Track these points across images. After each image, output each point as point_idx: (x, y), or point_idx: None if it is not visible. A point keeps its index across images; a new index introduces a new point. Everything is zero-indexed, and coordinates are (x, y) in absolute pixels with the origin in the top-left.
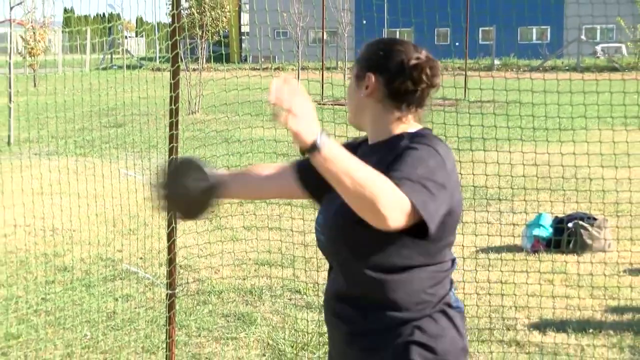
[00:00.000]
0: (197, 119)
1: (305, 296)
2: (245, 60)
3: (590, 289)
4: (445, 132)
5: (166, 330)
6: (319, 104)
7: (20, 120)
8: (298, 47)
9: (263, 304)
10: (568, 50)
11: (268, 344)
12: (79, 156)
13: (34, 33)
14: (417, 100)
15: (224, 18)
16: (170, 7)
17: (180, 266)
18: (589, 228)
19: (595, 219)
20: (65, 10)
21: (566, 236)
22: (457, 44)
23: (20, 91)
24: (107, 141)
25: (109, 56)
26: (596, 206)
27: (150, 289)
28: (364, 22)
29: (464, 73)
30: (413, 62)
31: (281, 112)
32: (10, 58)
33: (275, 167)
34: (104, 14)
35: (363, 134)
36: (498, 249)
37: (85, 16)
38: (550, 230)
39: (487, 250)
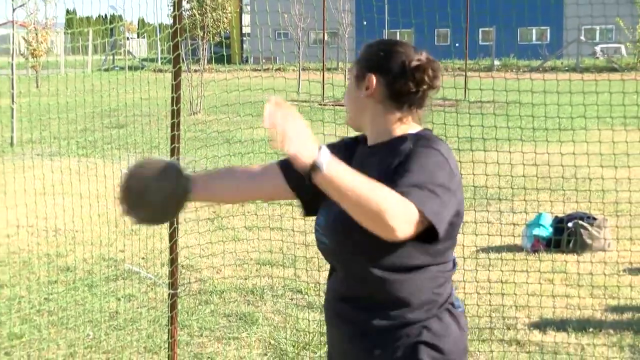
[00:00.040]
0: (199, 119)
1: (306, 296)
2: (247, 61)
3: (590, 288)
4: (446, 132)
5: (168, 330)
6: (320, 104)
7: (22, 121)
8: (299, 48)
9: (265, 304)
10: (567, 51)
11: (270, 343)
12: (81, 157)
13: (36, 34)
14: (418, 101)
15: (225, 19)
16: (171, 8)
17: (182, 266)
18: (589, 228)
19: (595, 219)
20: (68, 12)
21: (566, 236)
22: (457, 44)
23: (23, 92)
24: (109, 142)
25: (111, 57)
26: (596, 206)
27: (152, 288)
28: (365, 23)
29: (464, 74)
30: (415, 63)
31: (276, 137)
32: (12, 59)
33: (257, 167)
34: (105, 15)
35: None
36: (498, 249)
37: (87, 17)
38: (550, 229)
39: (487, 249)
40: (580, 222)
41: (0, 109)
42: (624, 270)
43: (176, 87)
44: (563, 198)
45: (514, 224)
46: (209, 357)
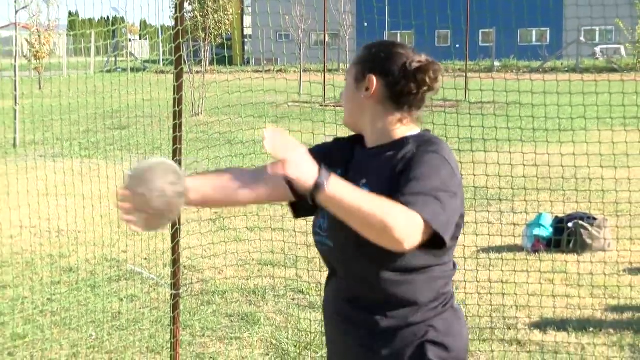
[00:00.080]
0: (201, 121)
1: (308, 296)
2: (248, 62)
3: (591, 288)
4: (447, 133)
5: (171, 330)
6: (321, 105)
7: (25, 122)
8: (300, 50)
9: (266, 304)
10: (567, 52)
11: (271, 343)
12: (83, 158)
13: (39, 36)
14: (417, 102)
15: (226, 21)
16: (173, 10)
17: (185, 267)
18: (589, 228)
19: (595, 219)
20: (70, 14)
21: (566, 236)
22: (457, 45)
23: (26, 94)
24: (111, 143)
25: (113, 59)
26: (596, 206)
27: (154, 289)
28: (365, 24)
29: (464, 75)
30: (416, 64)
31: (278, 163)
32: (15, 61)
33: (254, 170)
34: (108, 17)
35: None
36: (499, 249)
37: (90, 19)
38: (551, 230)
39: (488, 250)
40: (581, 222)
41: (3, 111)
42: (624, 270)
43: (178, 89)
44: (563, 198)
45: (514, 224)
46: (211, 357)
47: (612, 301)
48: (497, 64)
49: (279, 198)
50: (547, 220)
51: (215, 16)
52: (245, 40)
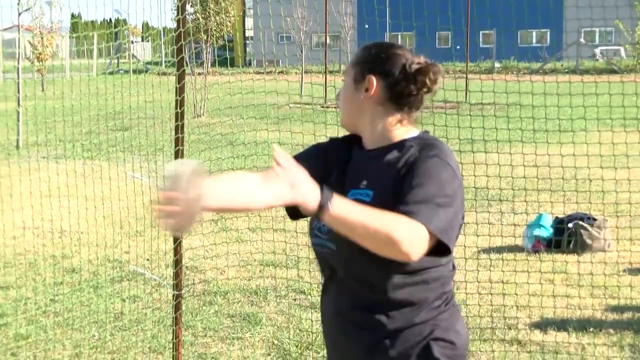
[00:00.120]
0: (203, 122)
1: (309, 296)
2: (250, 64)
3: (591, 289)
4: (447, 134)
5: (173, 330)
6: (322, 107)
7: (28, 124)
8: (301, 51)
9: (268, 304)
10: (567, 53)
11: (273, 343)
12: (86, 159)
13: (41, 38)
14: (416, 103)
15: (228, 23)
16: (175, 12)
17: (187, 267)
18: (589, 228)
19: (595, 219)
20: (73, 16)
21: (566, 236)
22: (458, 47)
23: (29, 95)
24: (113, 144)
25: (116, 61)
26: (596, 207)
27: (157, 290)
28: (366, 26)
29: (465, 76)
30: (416, 66)
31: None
32: (18, 63)
33: (262, 175)
34: (110, 19)
35: None
36: (499, 249)
37: (92, 22)
38: (551, 230)
39: (488, 250)
40: (581, 222)
41: (6, 112)
42: (624, 271)
43: (180, 90)
44: (563, 199)
45: (514, 225)
46: (213, 357)
47: (612, 301)
48: (497, 65)
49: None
50: (548, 221)
51: (217, 18)
52: (247, 42)
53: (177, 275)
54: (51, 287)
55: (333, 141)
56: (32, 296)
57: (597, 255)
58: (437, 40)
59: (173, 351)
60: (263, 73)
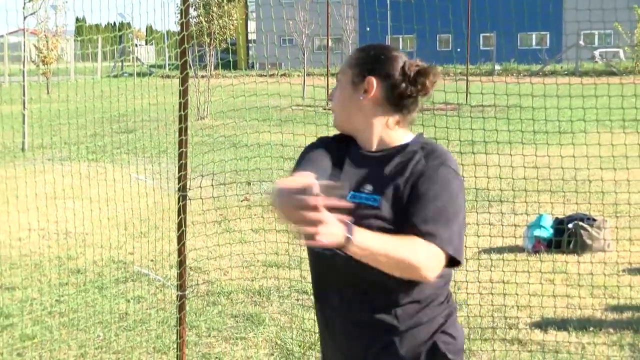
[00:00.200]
0: (206, 124)
1: (312, 297)
2: (253, 67)
3: (591, 288)
4: (448, 135)
5: (177, 330)
6: (324, 109)
7: (33, 126)
8: (304, 54)
9: (271, 305)
10: (567, 55)
11: (276, 343)
12: (91, 161)
13: (46, 42)
14: (414, 105)
15: (231, 26)
16: (179, 16)
17: (190, 268)
18: (589, 229)
19: (594, 220)
20: (77, 20)
21: (566, 237)
22: (458, 49)
23: (34, 98)
24: (118, 147)
25: (120, 64)
26: (595, 207)
27: (161, 290)
28: (368, 29)
29: (465, 78)
30: (416, 68)
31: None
32: (24, 66)
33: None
34: (114, 22)
35: None
36: (500, 250)
37: (97, 25)
38: (551, 231)
39: (489, 250)
40: (580, 223)
41: (12, 115)
42: (624, 271)
43: (184, 93)
44: (563, 200)
45: (515, 226)
46: (216, 357)
47: (612, 301)
48: (497, 67)
49: None
50: (548, 222)
51: (220, 21)
52: (250, 45)
53: (181, 276)
54: (56, 288)
55: (322, 140)
56: (38, 297)
57: (596, 255)
58: (438, 43)
59: (177, 351)
60: (266, 76)
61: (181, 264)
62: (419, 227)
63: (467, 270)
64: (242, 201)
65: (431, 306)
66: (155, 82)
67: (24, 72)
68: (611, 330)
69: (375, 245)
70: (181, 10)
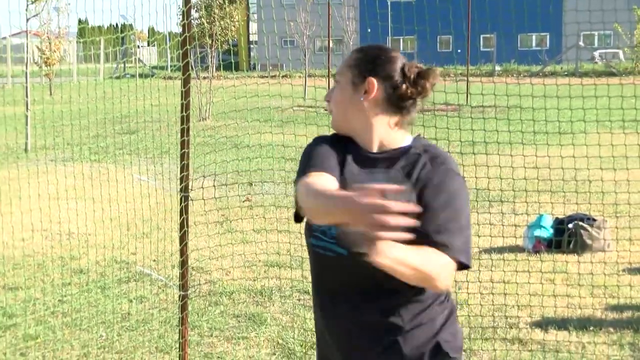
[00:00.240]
0: (208, 125)
1: None
2: (254, 68)
3: (591, 288)
4: (449, 136)
5: (179, 330)
6: (326, 110)
7: (36, 127)
8: (305, 55)
9: (273, 305)
10: (567, 56)
11: (278, 343)
12: (93, 162)
13: (49, 43)
14: (412, 107)
15: (232, 27)
16: (180, 17)
17: (193, 268)
18: (589, 229)
19: (594, 220)
20: (80, 22)
21: (567, 237)
22: (459, 50)
23: (37, 100)
24: (120, 147)
25: (122, 65)
26: (595, 207)
27: (163, 290)
28: (369, 30)
29: (466, 79)
30: (416, 69)
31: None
32: (26, 68)
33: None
34: (116, 24)
35: None
36: (500, 250)
37: (99, 27)
38: (551, 231)
39: (489, 250)
40: (581, 223)
41: (15, 116)
42: (624, 270)
43: (185, 94)
44: (563, 200)
45: (515, 226)
46: (218, 357)
47: (612, 300)
48: (497, 68)
49: None
50: (548, 222)
51: (222, 23)
52: (251, 46)
53: (183, 276)
54: (59, 288)
55: (325, 138)
56: (41, 297)
57: (597, 255)
58: (438, 44)
59: (179, 351)
60: (267, 77)
61: (183, 264)
62: (432, 237)
63: (467, 270)
64: (243, 202)
65: (433, 305)
66: (158, 83)
67: (26, 73)
68: (611, 330)
69: (408, 259)
70: (183, 11)
